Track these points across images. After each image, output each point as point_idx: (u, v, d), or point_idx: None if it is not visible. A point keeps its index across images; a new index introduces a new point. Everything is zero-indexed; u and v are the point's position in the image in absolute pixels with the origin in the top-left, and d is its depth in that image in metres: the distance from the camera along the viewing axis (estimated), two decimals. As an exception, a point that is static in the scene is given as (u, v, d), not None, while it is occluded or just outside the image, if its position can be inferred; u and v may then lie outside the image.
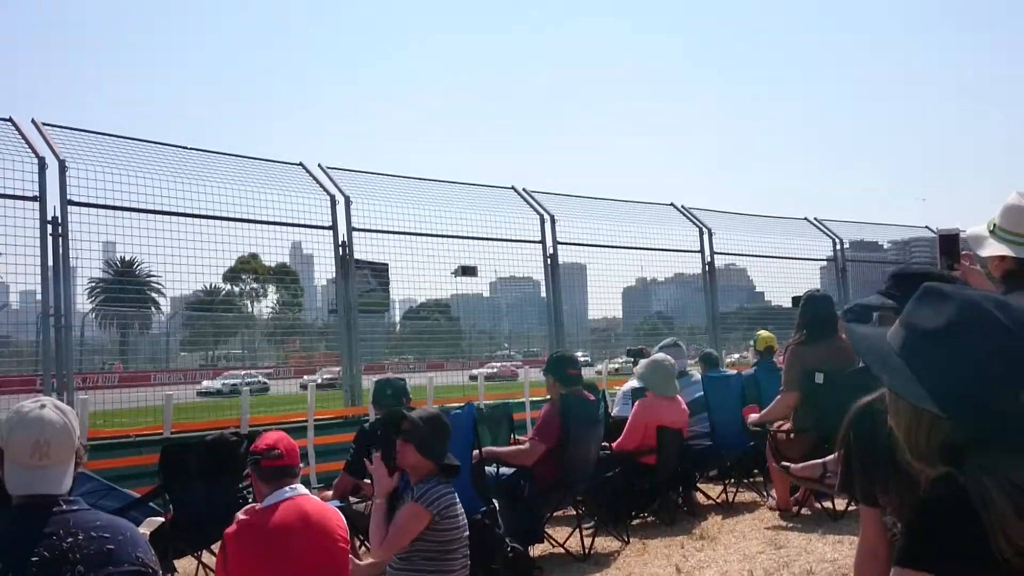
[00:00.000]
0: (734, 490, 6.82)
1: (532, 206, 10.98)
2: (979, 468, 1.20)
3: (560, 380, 5.51)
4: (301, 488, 3.21)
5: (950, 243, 2.69)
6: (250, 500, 3.90)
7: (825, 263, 14.44)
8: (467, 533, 3.63)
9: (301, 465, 3.29)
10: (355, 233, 9.45)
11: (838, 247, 14.25)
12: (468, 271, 10.50)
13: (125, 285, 11.75)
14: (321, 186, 9.44)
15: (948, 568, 1.19)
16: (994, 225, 2.61)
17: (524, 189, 11.19)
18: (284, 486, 3.13)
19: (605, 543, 5.59)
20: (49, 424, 2.01)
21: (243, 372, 12.86)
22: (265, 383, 12.75)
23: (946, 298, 1.31)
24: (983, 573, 1.17)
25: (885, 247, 16.92)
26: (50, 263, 7.34)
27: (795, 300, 8.70)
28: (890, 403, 1.34)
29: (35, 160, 7.35)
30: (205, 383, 13.15)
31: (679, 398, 6.40)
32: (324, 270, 10.01)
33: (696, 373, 7.69)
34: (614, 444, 6.11)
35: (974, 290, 1.38)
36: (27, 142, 7.45)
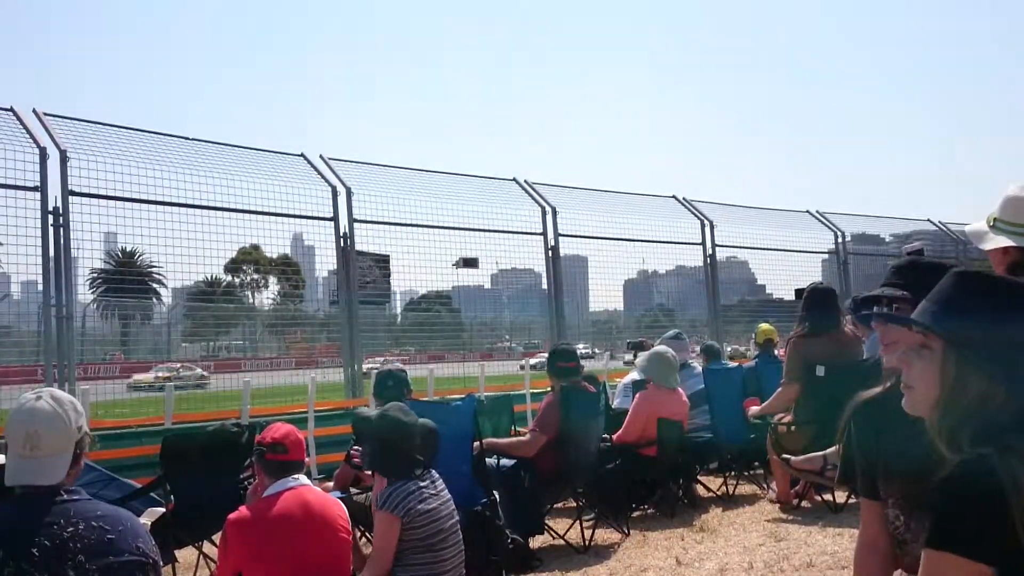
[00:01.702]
0: (734, 482, 6.82)
1: (534, 198, 10.96)
2: (1012, 451, 1.20)
3: (553, 374, 5.54)
4: (303, 478, 3.22)
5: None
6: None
7: (827, 256, 14.41)
8: (454, 523, 3.59)
9: (306, 458, 3.30)
10: (356, 224, 9.44)
11: (840, 240, 14.21)
12: (469, 263, 10.49)
13: (126, 276, 11.70)
14: (322, 177, 9.42)
15: (980, 551, 1.17)
16: (994, 219, 2.59)
17: (526, 181, 11.16)
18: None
19: (605, 535, 5.59)
20: (40, 414, 2.01)
21: (179, 364, 11.77)
22: (205, 377, 11.72)
23: (993, 281, 1.34)
24: (1013, 555, 1.16)
25: (887, 240, 16.85)
26: (51, 253, 7.32)
27: (798, 292, 8.69)
28: (944, 379, 1.33)
29: (36, 150, 7.32)
30: (136, 376, 11.43)
31: (680, 390, 6.40)
32: (325, 261, 10.02)
33: (698, 365, 7.69)
34: (615, 436, 6.12)
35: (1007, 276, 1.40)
36: (28, 132, 7.43)
